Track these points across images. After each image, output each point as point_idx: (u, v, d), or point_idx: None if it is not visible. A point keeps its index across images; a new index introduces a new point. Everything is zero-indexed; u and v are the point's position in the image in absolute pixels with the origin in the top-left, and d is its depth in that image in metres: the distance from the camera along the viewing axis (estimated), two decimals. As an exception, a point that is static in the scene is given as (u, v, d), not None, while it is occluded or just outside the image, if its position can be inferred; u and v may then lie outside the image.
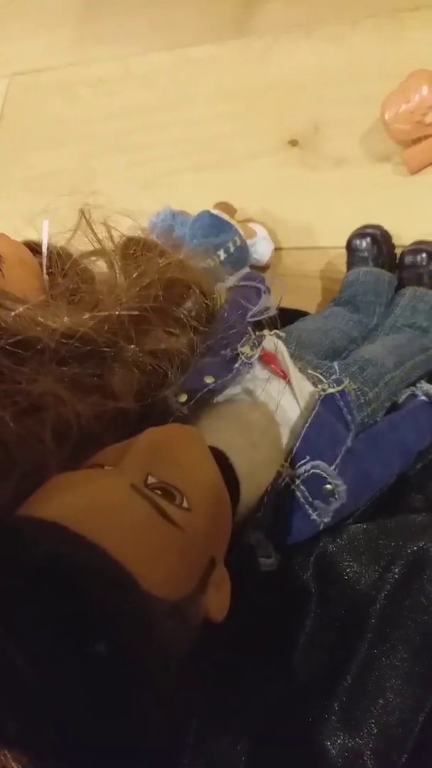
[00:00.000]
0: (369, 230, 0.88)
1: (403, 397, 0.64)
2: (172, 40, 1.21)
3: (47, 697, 0.29)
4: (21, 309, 0.41)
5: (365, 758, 0.46)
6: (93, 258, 0.53)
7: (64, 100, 1.27)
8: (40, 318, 0.41)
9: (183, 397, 0.49)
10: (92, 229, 0.52)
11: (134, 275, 0.49)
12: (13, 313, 0.41)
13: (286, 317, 0.74)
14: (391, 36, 1.03)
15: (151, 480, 0.38)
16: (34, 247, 0.52)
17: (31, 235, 0.62)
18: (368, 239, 0.87)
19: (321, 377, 0.55)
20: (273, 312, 0.60)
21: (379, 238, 0.87)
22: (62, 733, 0.30)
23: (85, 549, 0.31)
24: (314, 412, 0.50)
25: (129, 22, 1.27)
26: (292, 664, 0.47)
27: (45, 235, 0.51)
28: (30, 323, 0.41)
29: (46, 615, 0.29)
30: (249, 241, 0.88)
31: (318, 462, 0.47)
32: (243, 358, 0.53)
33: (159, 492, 0.38)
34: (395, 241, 0.90)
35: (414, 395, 0.65)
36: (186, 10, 1.21)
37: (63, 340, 0.42)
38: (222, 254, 0.78)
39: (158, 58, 1.22)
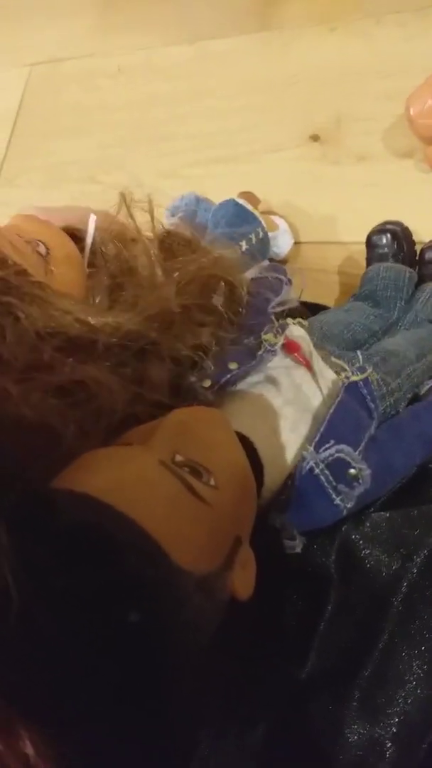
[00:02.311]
0: (389, 226, 0.87)
1: (425, 388, 0.64)
2: (193, 33, 1.21)
3: (76, 665, 0.29)
4: (72, 310, 0.41)
5: (385, 747, 0.46)
6: (133, 249, 0.53)
7: (84, 90, 1.27)
8: (88, 318, 0.42)
9: (207, 383, 0.50)
10: (132, 215, 0.52)
11: (176, 272, 0.50)
12: (61, 313, 0.41)
13: (308, 309, 0.75)
14: (417, 31, 1.02)
15: (178, 458, 0.39)
16: (76, 234, 0.52)
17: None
18: (388, 235, 0.86)
19: (344, 365, 0.55)
20: (295, 303, 0.61)
21: (400, 234, 0.87)
22: (89, 705, 0.29)
23: (116, 520, 0.31)
24: (339, 398, 0.51)
25: (150, 14, 1.27)
26: (311, 651, 0.47)
27: (90, 229, 0.52)
28: (80, 322, 0.42)
29: (77, 583, 0.29)
30: (270, 234, 0.88)
31: (342, 446, 0.47)
32: (266, 345, 0.53)
33: (187, 469, 0.38)
34: (416, 237, 0.90)
35: (435, 388, 0.64)
36: (208, 2, 1.21)
37: (111, 339, 0.42)
38: (244, 245, 0.77)
39: (179, 50, 1.22)
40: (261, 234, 0.82)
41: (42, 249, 0.46)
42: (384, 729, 0.48)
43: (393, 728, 0.48)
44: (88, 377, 0.40)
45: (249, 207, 0.81)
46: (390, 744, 0.48)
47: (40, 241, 0.47)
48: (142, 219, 0.53)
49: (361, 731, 0.48)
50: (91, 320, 0.42)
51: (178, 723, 0.34)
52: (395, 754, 0.47)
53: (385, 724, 0.48)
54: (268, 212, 0.96)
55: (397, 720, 0.48)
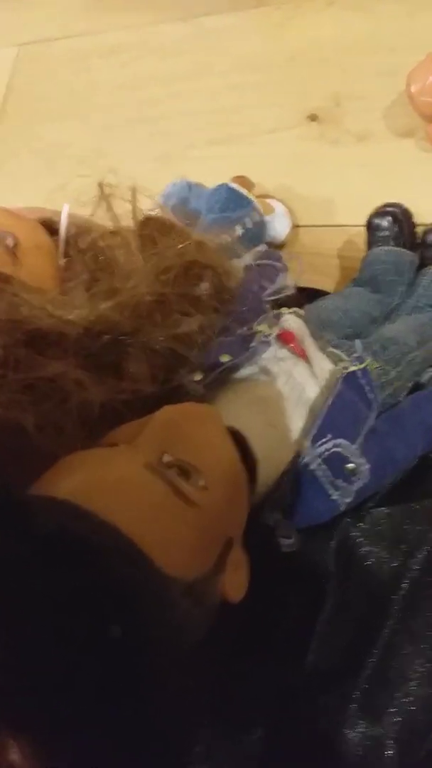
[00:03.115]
0: (389, 209, 0.85)
1: (426, 376, 0.62)
2: (188, 10, 1.18)
3: (57, 674, 0.27)
4: (38, 302, 0.40)
5: (387, 746, 0.45)
6: (111, 238, 0.51)
7: (75, 71, 1.24)
8: (58, 310, 0.40)
9: (198, 376, 0.48)
10: (110, 206, 0.50)
11: (153, 259, 0.48)
12: (29, 306, 0.39)
13: (305, 296, 0.73)
14: (418, 5, 0.99)
15: (166, 458, 0.37)
16: (50, 226, 0.50)
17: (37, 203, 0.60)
18: (389, 218, 0.84)
19: (342, 355, 0.53)
20: (291, 291, 0.59)
21: (400, 216, 0.85)
22: (71, 711, 0.28)
23: (97, 526, 0.30)
24: (336, 390, 0.49)
25: (143, -9, 1.23)
26: (311, 650, 0.46)
27: (64, 219, 0.50)
28: (48, 315, 0.40)
29: (56, 592, 0.27)
30: (266, 218, 0.85)
31: (340, 440, 0.45)
32: (260, 336, 0.51)
33: (175, 470, 0.36)
34: (417, 219, 0.87)
35: (437, 376, 0.63)
36: (203, -22, 1.18)
37: (82, 331, 0.41)
38: (239, 229, 0.75)
39: (173, 28, 1.18)
40: (256, 218, 0.80)
41: (10, 241, 0.45)
42: (385, 728, 0.47)
43: (394, 727, 0.47)
44: (55, 372, 0.39)
45: (243, 191, 0.79)
46: (391, 743, 0.47)
47: (7, 232, 0.45)
48: (126, 208, 0.51)
49: (362, 731, 0.47)
50: (59, 312, 0.41)
51: (167, 725, 0.33)
52: (396, 754, 0.46)
53: (386, 723, 0.47)
54: (265, 196, 0.93)
55: (398, 719, 0.47)
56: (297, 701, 0.47)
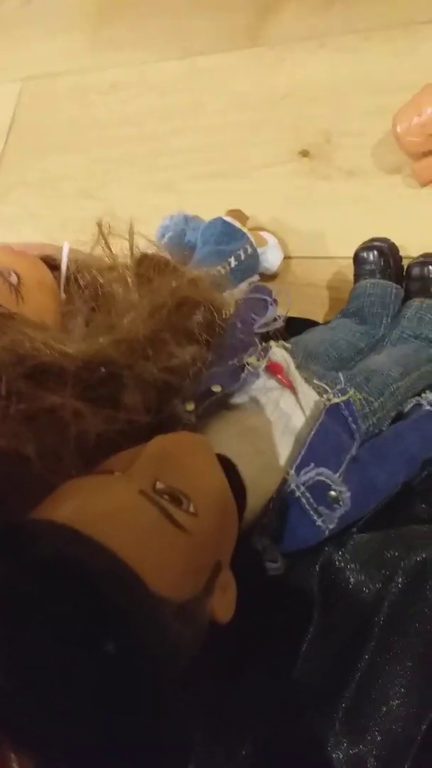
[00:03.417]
0: (376, 243, 0.88)
1: (409, 406, 0.65)
2: (185, 49, 1.23)
3: (55, 694, 0.29)
4: (40, 336, 0.42)
5: (369, 764, 0.46)
6: (109, 275, 0.54)
7: (76, 106, 1.28)
8: (59, 345, 0.43)
9: (191, 406, 0.51)
10: (108, 245, 0.53)
11: (148, 296, 0.51)
12: (32, 341, 0.42)
13: (294, 326, 0.76)
14: (405, 48, 1.03)
15: (159, 486, 0.39)
16: (51, 262, 0.53)
17: (37, 238, 0.63)
18: (375, 252, 0.87)
19: (326, 387, 0.56)
20: (280, 324, 0.62)
21: (386, 250, 0.88)
22: (70, 732, 0.30)
23: (94, 550, 0.32)
24: (319, 421, 0.51)
25: (142, 30, 1.28)
26: (294, 671, 0.48)
27: (65, 257, 0.53)
28: (49, 350, 0.42)
29: (54, 613, 0.29)
30: (259, 250, 0.89)
31: (322, 469, 0.48)
32: (250, 368, 0.54)
33: (167, 497, 0.39)
34: (403, 252, 0.91)
35: (419, 405, 0.65)
36: (199, 18, 1.23)
37: (81, 364, 0.43)
38: (233, 261, 0.79)
39: (171, 66, 1.23)
40: (249, 250, 0.84)
41: (13, 278, 0.48)
42: (367, 746, 0.48)
43: (376, 746, 0.48)
44: (55, 403, 0.41)
45: (237, 224, 0.82)
46: (373, 761, 0.48)
47: (12, 270, 0.48)
48: (122, 245, 0.54)
49: (345, 749, 0.48)
50: (60, 347, 0.43)
51: (162, 744, 0.35)
52: (378, 771, 0.48)
53: (368, 741, 0.48)
54: (258, 228, 0.97)
55: (380, 738, 0.48)
56: (284, 720, 0.48)
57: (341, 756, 0.48)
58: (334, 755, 0.48)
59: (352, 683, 0.48)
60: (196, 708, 0.47)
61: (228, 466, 0.47)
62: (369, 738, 0.48)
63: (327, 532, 0.49)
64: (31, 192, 1.22)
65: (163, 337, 0.49)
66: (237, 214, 0.93)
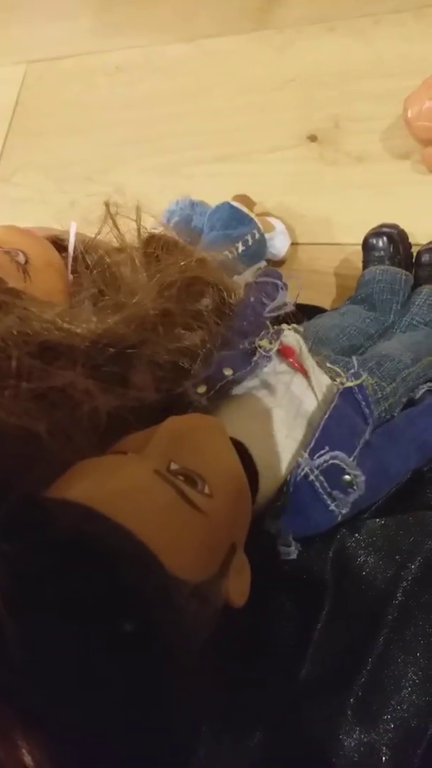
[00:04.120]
0: (385, 229, 0.87)
1: (420, 392, 0.64)
2: (191, 31, 1.21)
3: (71, 675, 0.29)
4: (48, 316, 0.41)
5: (381, 752, 0.46)
6: (116, 255, 0.53)
7: (81, 88, 1.26)
8: (67, 324, 0.42)
9: (202, 389, 0.50)
10: (116, 225, 0.52)
11: (157, 275, 0.50)
12: (40, 320, 0.41)
13: (302, 313, 0.75)
14: (416, 32, 1.02)
15: (173, 466, 0.39)
16: (59, 243, 0.52)
17: (45, 222, 0.62)
18: (384, 238, 0.86)
19: (339, 371, 0.55)
20: (290, 308, 0.61)
21: (396, 237, 0.87)
22: (82, 713, 0.30)
23: (111, 529, 0.31)
24: (333, 404, 0.50)
25: (149, 12, 1.26)
26: (306, 657, 0.47)
27: (72, 237, 0.52)
28: (57, 328, 0.42)
29: (72, 594, 0.29)
30: (267, 235, 0.88)
31: (337, 452, 0.47)
32: (261, 351, 0.53)
33: (182, 478, 0.38)
34: (412, 239, 0.89)
35: (430, 391, 0.64)
36: (206, 1, 1.21)
37: (90, 343, 0.42)
38: (240, 247, 0.78)
39: (177, 49, 1.21)
40: (257, 236, 0.83)
41: (21, 258, 0.47)
42: (379, 735, 0.48)
43: (388, 734, 0.48)
44: (65, 382, 0.40)
45: (244, 209, 0.81)
46: (386, 749, 0.48)
47: (19, 250, 0.47)
48: (129, 226, 0.53)
49: (357, 737, 0.48)
50: (68, 325, 0.42)
51: (175, 729, 0.34)
52: (391, 760, 0.48)
53: (380, 730, 0.48)
54: (265, 214, 0.96)
55: (392, 726, 0.48)
56: (294, 707, 0.48)
57: (353, 744, 0.48)
58: (345, 744, 0.48)
59: (364, 671, 0.48)
60: (206, 694, 0.47)
61: (240, 449, 0.46)
62: (381, 727, 0.48)
63: (340, 517, 0.48)
64: (35, 175, 1.21)
65: (173, 317, 0.48)
66: (244, 199, 0.91)
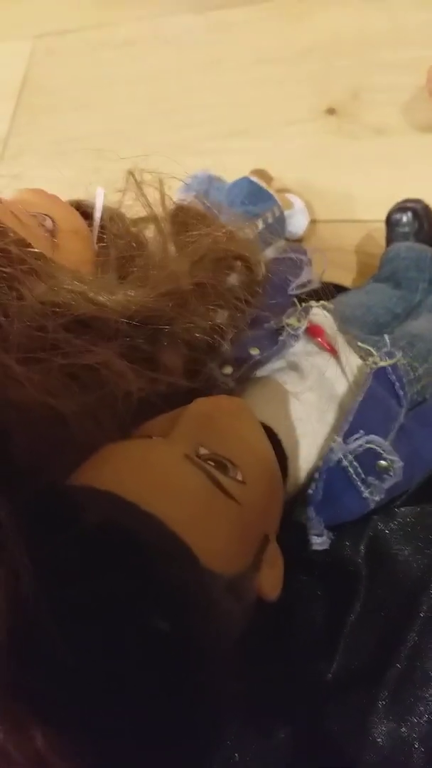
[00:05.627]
0: (410, 204, 0.84)
1: (453, 375, 0.61)
2: (202, 1, 1.17)
3: (102, 674, 0.27)
4: (77, 287, 0.38)
5: (414, 746, 0.44)
6: (142, 225, 0.50)
7: (89, 63, 1.23)
8: (99, 296, 0.39)
9: (228, 369, 0.48)
10: (142, 193, 0.49)
11: (188, 247, 0.47)
12: (69, 291, 0.38)
13: (326, 291, 0.72)
14: (440, -2, 0.98)
15: (202, 451, 0.36)
16: (85, 211, 0.49)
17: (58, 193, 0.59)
18: (409, 214, 0.83)
19: (371, 350, 0.53)
20: (316, 285, 0.58)
21: (421, 212, 0.84)
22: (111, 713, 0.28)
23: (142, 520, 0.29)
24: (367, 385, 0.48)
25: (157, -17, 1.22)
26: (338, 649, 0.45)
27: (99, 204, 0.49)
28: (89, 301, 0.39)
29: (103, 589, 0.27)
30: (285, 213, 0.85)
31: (373, 437, 0.44)
32: (289, 330, 0.50)
33: (212, 464, 0.36)
34: (437, 215, 0.86)
35: (462, 373, 0.62)
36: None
37: (125, 319, 0.40)
38: (260, 224, 0.75)
39: (188, 19, 1.17)
40: (277, 213, 0.79)
41: (48, 223, 0.43)
42: (412, 729, 0.46)
43: (422, 728, 0.46)
44: (98, 360, 0.37)
45: (264, 185, 0.78)
46: (418, 744, 0.46)
47: (46, 215, 0.44)
48: (152, 197, 0.50)
49: (389, 731, 0.46)
50: (101, 298, 0.39)
51: (205, 724, 0.33)
52: (424, 755, 0.46)
53: (413, 723, 0.46)
54: (283, 190, 0.92)
55: (426, 719, 0.46)
56: (325, 701, 0.46)
57: (385, 737, 0.46)
58: (377, 738, 0.46)
59: (397, 663, 0.46)
60: (235, 688, 0.45)
61: (268, 433, 0.44)
62: (415, 720, 0.46)
63: (373, 505, 0.46)
64: (44, 151, 1.18)
65: (206, 292, 0.46)
66: (261, 174, 0.88)
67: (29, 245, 0.39)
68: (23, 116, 1.23)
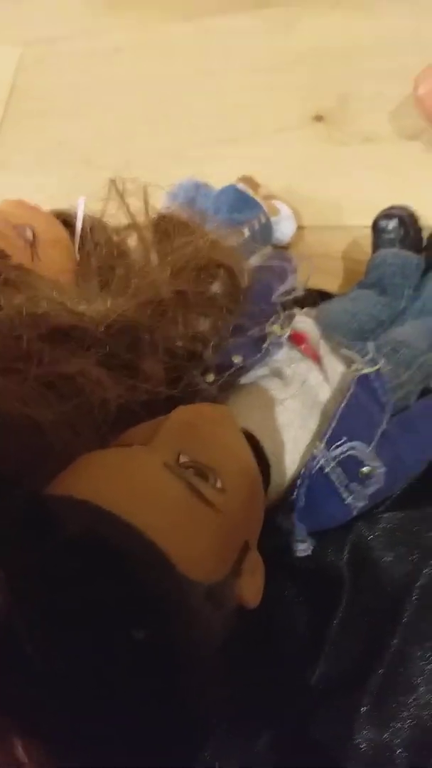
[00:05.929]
0: (396, 211, 0.85)
1: (436, 380, 0.61)
2: (191, 9, 1.17)
3: (86, 682, 0.27)
4: (58, 297, 0.39)
5: (396, 752, 0.44)
6: (125, 234, 0.50)
7: (79, 70, 1.23)
8: (78, 306, 0.39)
9: (211, 377, 0.48)
10: (124, 201, 0.50)
11: (169, 256, 0.47)
12: (50, 302, 0.38)
13: (309, 298, 0.72)
14: (426, 7, 0.98)
15: (183, 459, 0.36)
16: (66, 220, 0.50)
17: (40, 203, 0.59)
18: (395, 220, 0.83)
19: (355, 357, 0.53)
20: (300, 292, 0.58)
21: (406, 219, 0.84)
22: (95, 721, 0.28)
23: (120, 530, 0.29)
24: (350, 392, 0.48)
25: (147, -10, 1.22)
26: (321, 656, 0.45)
27: (80, 213, 0.49)
28: (67, 311, 0.39)
29: (83, 598, 0.27)
30: (272, 219, 0.85)
31: (355, 443, 0.45)
32: (272, 337, 0.50)
33: (192, 471, 0.36)
34: (422, 221, 0.87)
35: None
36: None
37: (103, 328, 0.40)
38: (246, 231, 0.75)
39: (177, 27, 1.18)
40: (263, 220, 0.80)
41: (29, 234, 0.44)
42: (395, 735, 0.47)
43: (404, 734, 0.46)
44: (75, 369, 0.38)
45: (250, 193, 0.79)
46: (400, 750, 0.46)
47: (27, 226, 0.44)
48: (136, 205, 0.51)
49: (372, 737, 0.46)
50: (80, 307, 0.40)
51: (186, 730, 0.33)
52: (406, 760, 0.46)
53: (395, 729, 0.47)
54: (270, 197, 0.93)
55: (408, 725, 0.47)
56: (307, 707, 0.46)
57: (367, 743, 0.46)
58: (360, 744, 0.46)
59: (380, 668, 0.46)
60: (216, 695, 0.45)
61: (251, 441, 0.44)
62: (398, 725, 0.47)
63: (356, 511, 0.46)
64: (33, 159, 1.18)
65: (187, 301, 0.46)
66: (249, 181, 0.89)
67: (8, 256, 0.39)
68: (11, 123, 1.23)
